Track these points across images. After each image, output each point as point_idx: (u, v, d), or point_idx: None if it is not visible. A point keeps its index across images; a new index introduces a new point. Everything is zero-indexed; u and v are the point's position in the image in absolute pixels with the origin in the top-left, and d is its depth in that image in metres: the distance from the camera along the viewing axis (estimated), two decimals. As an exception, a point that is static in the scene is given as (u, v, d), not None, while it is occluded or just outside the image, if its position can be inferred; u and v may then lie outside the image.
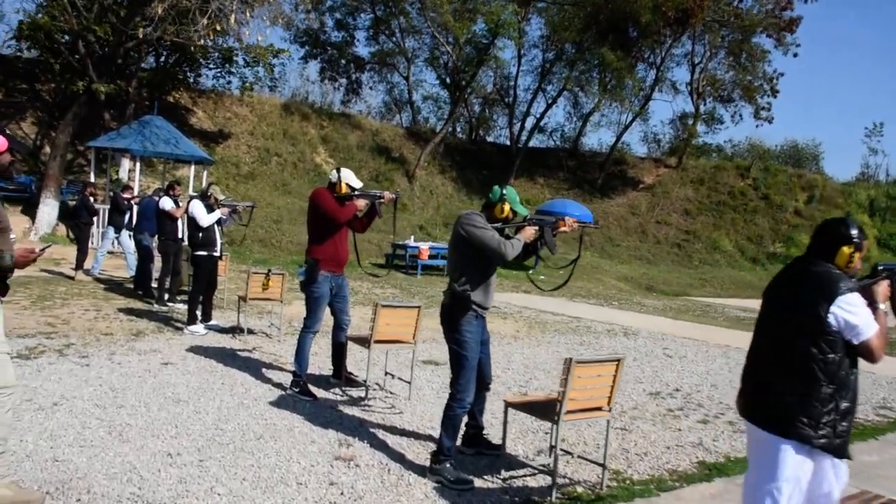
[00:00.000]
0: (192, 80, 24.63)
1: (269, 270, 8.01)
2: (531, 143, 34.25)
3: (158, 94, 22.82)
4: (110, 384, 5.63)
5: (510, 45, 30.97)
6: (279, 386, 6.04)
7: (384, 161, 28.28)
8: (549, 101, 33.62)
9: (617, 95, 31.93)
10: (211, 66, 24.10)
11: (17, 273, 9.83)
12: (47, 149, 19.19)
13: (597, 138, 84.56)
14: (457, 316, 4.29)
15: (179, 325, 8.53)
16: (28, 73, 22.24)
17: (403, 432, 5.12)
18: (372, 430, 5.08)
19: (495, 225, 4.37)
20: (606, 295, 18.56)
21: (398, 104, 39.57)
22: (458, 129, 36.84)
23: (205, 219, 8.08)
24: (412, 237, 20.24)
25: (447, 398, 4.38)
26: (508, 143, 35.06)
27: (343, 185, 5.79)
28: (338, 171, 5.84)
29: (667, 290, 23.14)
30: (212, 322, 8.56)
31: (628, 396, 7.02)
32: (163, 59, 23.52)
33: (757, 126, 67.78)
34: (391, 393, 6.21)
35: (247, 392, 5.76)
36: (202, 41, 18.59)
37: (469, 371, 4.30)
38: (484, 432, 4.87)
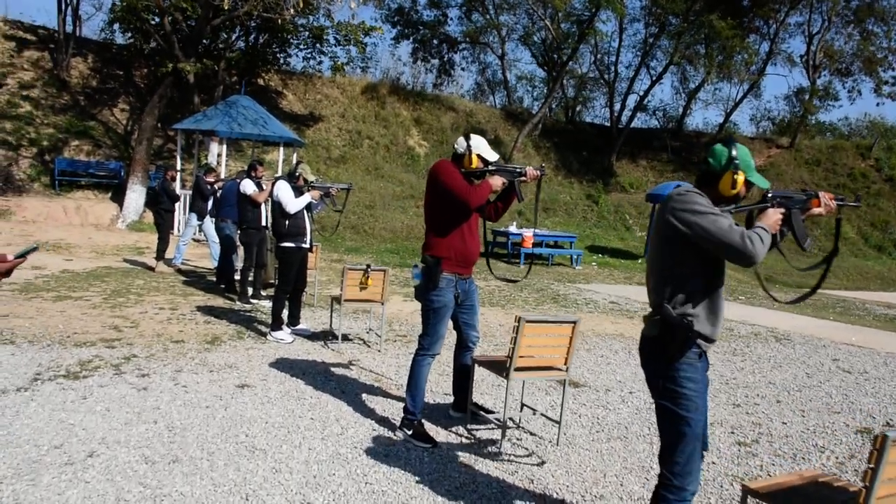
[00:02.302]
0: (281, 61, 23.75)
1: (368, 267, 6.57)
2: (631, 124, 31.98)
3: (248, 76, 22.01)
4: (168, 420, 4.31)
5: (611, 19, 28.89)
6: (385, 423, 4.59)
7: (479, 143, 26.71)
8: (654, 78, 31.21)
9: (727, 68, 29.25)
10: (301, 46, 23.16)
11: (99, 264, 8.79)
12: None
13: (701, 118, 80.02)
14: (672, 356, 2.71)
15: (263, 328, 7.25)
16: (121, 58, 21.87)
17: (564, 505, 3.58)
18: (519, 503, 3.56)
19: (724, 208, 2.79)
20: (725, 287, 16.47)
21: (491, 84, 38.07)
22: (553, 110, 34.89)
23: (292, 203, 6.73)
24: (514, 224, 18.63)
25: (658, 482, 2.81)
26: (608, 123, 32.90)
27: (474, 158, 4.24)
28: (466, 138, 4.29)
29: (788, 282, 20.85)
30: (300, 326, 7.24)
31: (832, 435, 5.28)
32: (252, 39, 22.69)
33: (878, 104, 62.67)
34: (530, 433, 4.67)
35: (343, 433, 4.33)
36: (291, 15, 17.52)
37: (693, 441, 2.71)
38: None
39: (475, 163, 4.24)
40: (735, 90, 33.18)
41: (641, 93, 32.14)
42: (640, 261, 20.37)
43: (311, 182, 7.02)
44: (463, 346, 4.63)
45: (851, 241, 27.75)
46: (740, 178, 2.83)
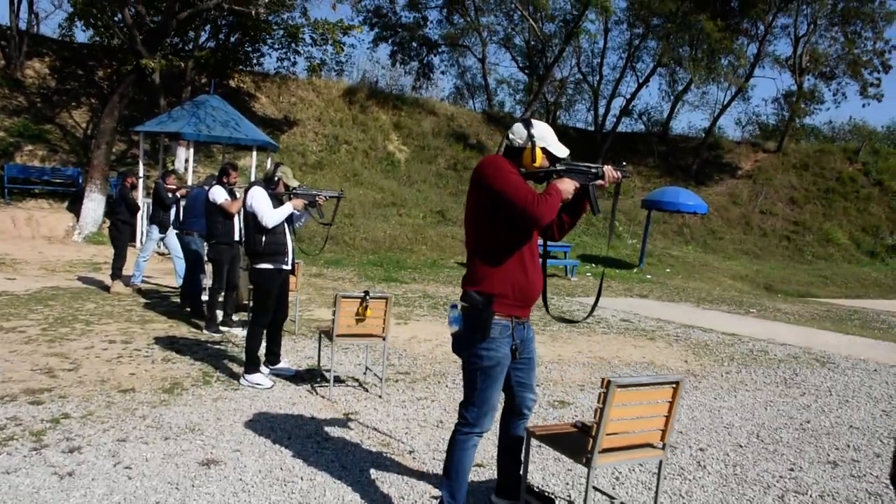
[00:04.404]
0: (254, 61, 22.36)
1: (367, 294, 5.29)
2: (617, 128, 31.06)
3: (218, 77, 20.63)
4: (98, 531, 3.00)
5: (597, 18, 28.03)
6: (406, 519, 3.32)
7: (462, 148, 25.55)
8: (641, 80, 30.32)
9: (717, 71, 28.52)
10: (276, 46, 21.81)
11: (46, 284, 7.40)
12: (99, 139, 17.13)
13: (686, 121, 79.36)
14: None
15: (235, 367, 5.93)
16: (82, 57, 20.43)
17: None
18: None
19: None
20: (731, 298, 15.52)
21: (471, 88, 37.11)
22: (534, 114, 33.93)
23: (270, 215, 5.42)
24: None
25: None
26: (592, 127, 31.99)
27: (538, 153, 3.00)
28: (526, 125, 3.05)
29: (788, 291, 20.06)
30: (281, 364, 5.92)
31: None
32: (222, 37, 21.30)
33: (864, 105, 63.18)
34: (604, 528, 3.44)
35: (352, 544, 3.06)
36: (264, 10, 16.21)
37: None
38: None
39: (539, 160, 2.99)
40: (723, 93, 32.45)
41: (627, 96, 31.36)
42: (634, 270, 19.32)
43: (294, 189, 5.74)
44: (515, 413, 3.34)
45: (844, 246, 27.22)
46: None
